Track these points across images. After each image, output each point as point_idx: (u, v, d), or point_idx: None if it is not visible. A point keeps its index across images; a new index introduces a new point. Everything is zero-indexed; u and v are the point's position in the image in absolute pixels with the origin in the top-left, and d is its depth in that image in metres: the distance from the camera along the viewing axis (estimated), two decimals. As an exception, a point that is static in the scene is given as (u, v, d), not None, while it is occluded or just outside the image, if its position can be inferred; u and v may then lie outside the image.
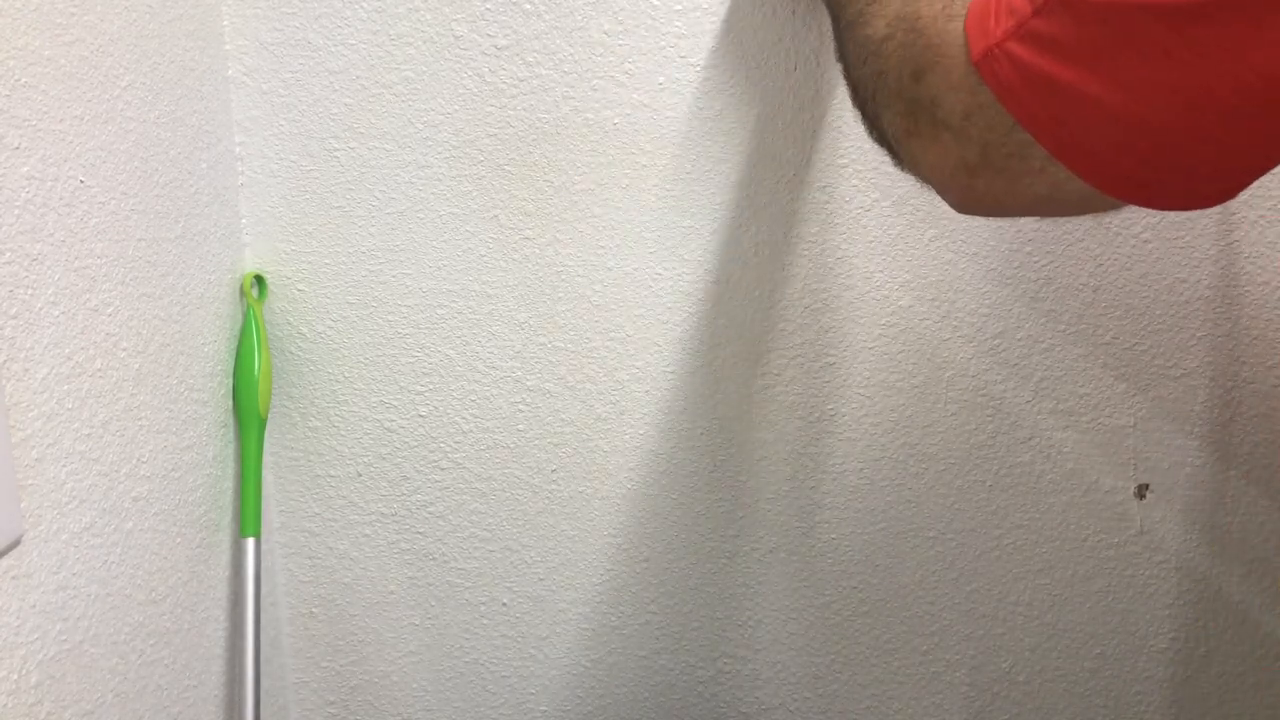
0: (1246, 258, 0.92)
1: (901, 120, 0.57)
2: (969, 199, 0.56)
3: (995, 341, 0.94)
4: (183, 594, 0.82)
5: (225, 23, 0.86)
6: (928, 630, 1.02)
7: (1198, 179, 0.49)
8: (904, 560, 1.00)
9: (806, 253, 0.92)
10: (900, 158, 0.59)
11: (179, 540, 0.81)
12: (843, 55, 0.66)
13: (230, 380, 0.89)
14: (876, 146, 0.61)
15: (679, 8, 0.86)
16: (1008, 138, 0.51)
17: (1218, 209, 0.92)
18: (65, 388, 0.66)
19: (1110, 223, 0.92)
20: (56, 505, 0.66)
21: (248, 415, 0.89)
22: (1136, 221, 0.92)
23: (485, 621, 1.02)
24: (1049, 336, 0.94)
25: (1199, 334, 0.94)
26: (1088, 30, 0.47)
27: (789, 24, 0.86)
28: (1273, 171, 0.49)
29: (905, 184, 0.88)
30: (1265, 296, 0.93)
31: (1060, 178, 0.51)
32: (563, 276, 0.92)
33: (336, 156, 0.89)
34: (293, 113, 0.89)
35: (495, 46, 0.87)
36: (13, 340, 0.61)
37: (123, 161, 0.72)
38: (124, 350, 0.73)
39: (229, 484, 0.89)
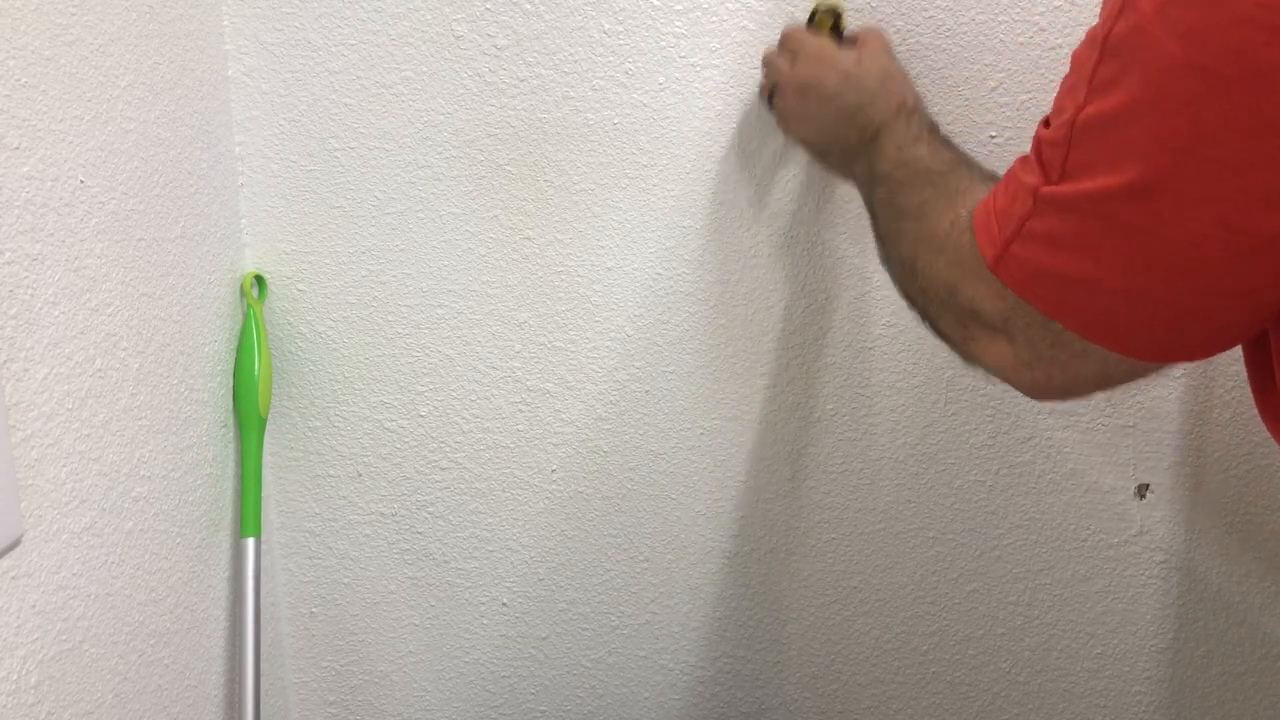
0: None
1: (956, 329, 0.61)
2: (1036, 390, 0.59)
3: (995, 341, 0.94)
4: (183, 594, 0.82)
5: (225, 23, 0.86)
6: (928, 630, 1.02)
7: (1219, 327, 0.53)
8: (904, 560, 1.00)
9: (806, 253, 0.92)
10: (965, 359, 0.63)
11: (179, 540, 0.81)
12: (888, 268, 0.70)
13: (230, 380, 0.89)
14: (942, 344, 0.65)
15: (679, 8, 0.86)
16: (1045, 330, 0.55)
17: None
18: (65, 388, 0.66)
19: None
20: (56, 505, 0.66)
21: (248, 415, 0.89)
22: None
23: (485, 621, 1.02)
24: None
25: (1199, 334, 0.94)
26: (1073, 222, 0.52)
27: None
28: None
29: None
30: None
31: (1102, 355, 0.54)
32: (563, 276, 0.92)
33: (336, 156, 0.89)
34: (293, 113, 0.88)
35: (495, 46, 0.87)
36: (13, 340, 0.61)
37: (123, 161, 0.72)
38: (124, 350, 0.73)
39: (229, 484, 0.89)
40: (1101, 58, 0.50)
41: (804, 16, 0.85)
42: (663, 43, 0.87)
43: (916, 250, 0.64)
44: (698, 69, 0.87)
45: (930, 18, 0.86)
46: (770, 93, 0.83)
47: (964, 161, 0.68)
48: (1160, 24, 0.47)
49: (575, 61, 0.87)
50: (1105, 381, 0.57)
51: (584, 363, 0.95)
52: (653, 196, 0.90)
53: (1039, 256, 0.53)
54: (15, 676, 0.62)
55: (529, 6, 0.86)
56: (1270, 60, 0.44)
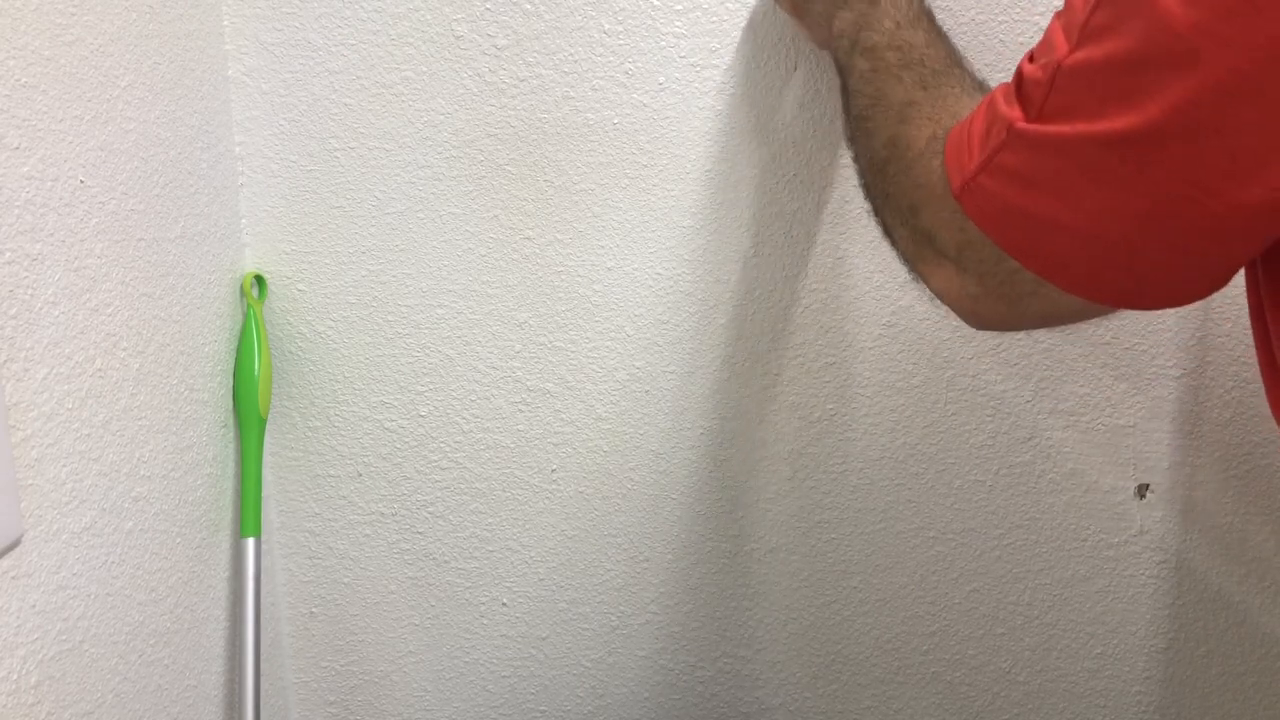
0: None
1: (909, 245, 0.61)
2: (978, 321, 0.59)
3: (995, 341, 0.94)
4: (183, 594, 0.82)
5: (225, 23, 0.86)
6: (928, 630, 1.02)
7: (1176, 282, 0.53)
8: (904, 560, 1.00)
9: (806, 253, 0.92)
10: (911, 273, 0.62)
11: (179, 540, 0.81)
12: (853, 149, 0.68)
13: (230, 380, 0.89)
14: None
15: (679, 8, 0.86)
16: (998, 266, 0.54)
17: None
18: (65, 388, 0.66)
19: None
20: (56, 505, 0.66)
21: (248, 415, 0.89)
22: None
23: (485, 621, 1.02)
24: (1049, 336, 0.94)
25: (1199, 334, 0.94)
26: (1047, 161, 0.51)
27: (789, 23, 0.86)
28: None
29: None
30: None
31: (1053, 295, 0.54)
32: (563, 276, 0.92)
33: (336, 156, 0.90)
34: (293, 113, 0.89)
35: (495, 46, 0.87)
36: (13, 340, 0.61)
37: (123, 161, 0.72)
38: (124, 350, 0.73)
39: (229, 484, 0.89)
40: (1098, 3, 0.49)
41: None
42: (663, 43, 0.87)
43: (890, 154, 0.62)
44: (698, 69, 0.87)
45: (930, 18, 0.86)
46: None
47: (958, 62, 0.66)
48: None
49: (575, 61, 0.87)
50: (1050, 319, 0.57)
51: (584, 363, 0.95)
52: (653, 196, 0.90)
53: (1006, 191, 0.53)
54: (15, 676, 0.62)
55: (529, 6, 0.86)
56: (1263, 29, 0.44)
